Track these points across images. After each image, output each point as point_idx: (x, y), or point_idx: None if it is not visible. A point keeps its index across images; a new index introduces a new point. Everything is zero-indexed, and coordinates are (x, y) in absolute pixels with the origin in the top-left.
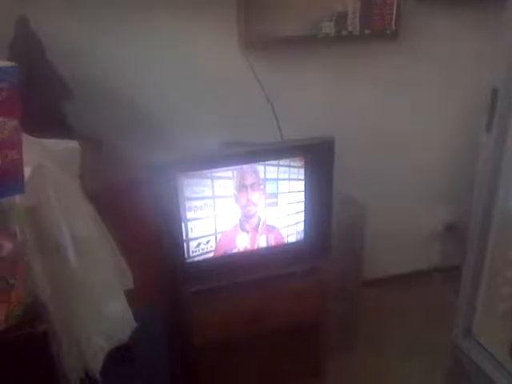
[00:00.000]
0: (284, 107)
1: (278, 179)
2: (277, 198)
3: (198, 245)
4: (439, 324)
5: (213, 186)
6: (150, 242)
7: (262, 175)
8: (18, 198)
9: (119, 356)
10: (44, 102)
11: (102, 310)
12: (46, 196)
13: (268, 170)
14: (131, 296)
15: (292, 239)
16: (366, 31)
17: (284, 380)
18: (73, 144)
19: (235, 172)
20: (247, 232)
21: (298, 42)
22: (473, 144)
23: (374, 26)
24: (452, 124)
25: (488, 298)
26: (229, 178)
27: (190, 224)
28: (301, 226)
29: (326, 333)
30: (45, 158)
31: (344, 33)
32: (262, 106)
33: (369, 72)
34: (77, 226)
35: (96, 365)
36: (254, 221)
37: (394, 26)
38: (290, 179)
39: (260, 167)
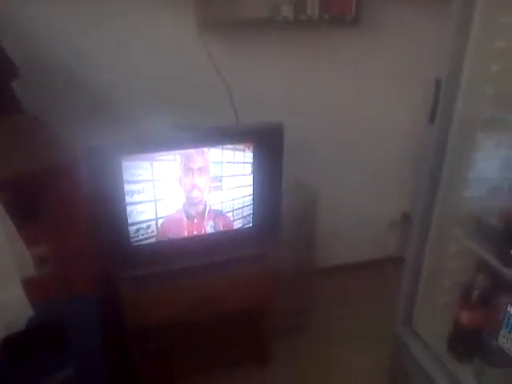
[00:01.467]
0: (241, 91)
1: (222, 162)
2: (221, 181)
3: (138, 230)
4: (388, 313)
5: (152, 169)
6: (86, 225)
7: (211, 158)
8: None
9: (49, 342)
10: None
11: None
12: None
13: (212, 153)
14: (61, 281)
15: (240, 224)
16: (325, 16)
17: (231, 366)
18: None
19: (179, 155)
20: (193, 218)
21: (256, 25)
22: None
23: (333, 11)
24: (410, 113)
25: (428, 291)
26: (170, 160)
27: (128, 208)
28: (249, 211)
29: (273, 319)
30: None
31: (303, 17)
32: (219, 89)
33: (327, 58)
34: None
35: None
36: (200, 207)
37: (353, 12)
38: (235, 162)
39: (206, 150)
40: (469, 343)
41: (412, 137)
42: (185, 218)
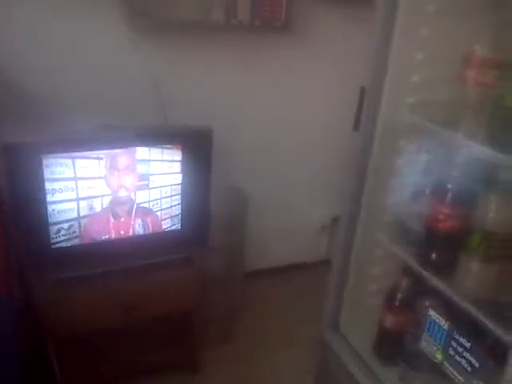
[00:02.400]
0: (171, 93)
1: (150, 160)
2: (148, 179)
3: (59, 230)
4: (319, 317)
5: (74, 167)
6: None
7: (138, 156)
8: None
9: None
10: None
11: None
12: None
13: (139, 151)
14: None
15: (168, 225)
16: (256, 22)
17: (159, 373)
18: None
19: (104, 154)
20: (120, 217)
21: (186, 27)
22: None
23: (264, 17)
24: (339, 119)
25: (354, 295)
26: (94, 159)
27: (49, 207)
28: (177, 211)
29: (202, 323)
30: None
31: (234, 22)
32: (149, 90)
33: (258, 63)
34: None
35: None
36: (127, 206)
37: (283, 19)
38: (163, 160)
39: (136, 149)
40: (393, 347)
41: (340, 142)
42: (111, 218)
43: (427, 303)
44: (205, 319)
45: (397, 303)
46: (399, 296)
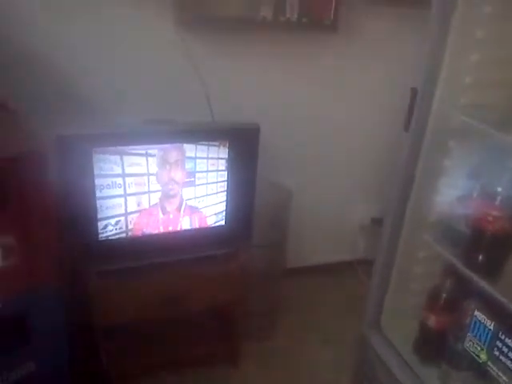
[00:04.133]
0: (218, 89)
1: (196, 157)
2: (195, 177)
3: (106, 226)
4: (357, 315)
5: (123, 163)
6: (53, 217)
7: (185, 152)
8: None
9: (11, 336)
10: None
11: None
12: None
13: (186, 148)
14: (25, 273)
15: (213, 220)
16: (304, 19)
17: (199, 365)
18: None
19: (155, 150)
20: (169, 213)
21: (234, 23)
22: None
23: (312, 14)
24: (381, 118)
25: (396, 294)
26: (143, 155)
27: (98, 202)
28: (222, 207)
29: (243, 318)
30: None
31: (282, 19)
32: (196, 87)
33: (305, 61)
34: None
35: None
36: (176, 201)
37: (332, 17)
38: (209, 158)
39: (184, 145)
40: (435, 346)
41: (384, 143)
42: (160, 214)
43: (472, 304)
44: (246, 314)
45: (440, 303)
46: (443, 296)
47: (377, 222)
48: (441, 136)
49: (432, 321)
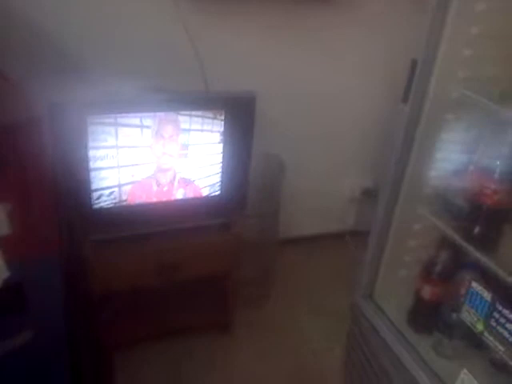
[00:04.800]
0: (212, 59)
1: (190, 130)
2: (188, 149)
3: (100, 196)
4: (349, 285)
5: (117, 134)
6: (49, 185)
7: (180, 126)
8: None
9: (7, 304)
10: None
11: None
12: None
13: (181, 120)
14: (20, 242)
15: (208, 192)
16: None
17: (191, 330)
18: None
19: (151, 119)
20: (162, 186)
21: None
22: (392, 113)
23: None
24: (375, 91)
25: (390, 265)
26: (138, 126)
27: (92, 173)
28: (216, 179)
29: (236, 286)
30: None
31: None
32: (190, 55)
33: (301, 33)
34: None
35: None
36: (170, 174)
37: None
38: (203, 130)
39: (179, 117)
40: (428, 316)
41: (377, 116)
42: (154, 186)
43: (468, 275)
44: (238, 283)
45: (435, 275)
46: (438, 268)
47: (367, 194)
48: (439, 108)
49: (426, 291)
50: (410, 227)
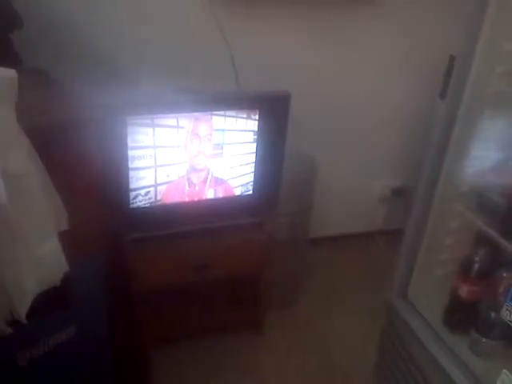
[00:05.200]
0: (245, 59)
1: (224, 130)
2: (222, 149)
3: (136, 196)
4: (379, 285)
5: (154, 135)
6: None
7: (214, 126)
8: None
9: (53, 301)
10: None
11: (32, 251)
12: None
13: (215, 120)
14: (71, 240)
15: (240, 191)
16: None
17: (224, 329)
18: (9, 73)
19: (185, 120)
20: (194, 186)
21: None
22: (426, 111)
23: None
24: (407, 90)
25: (425, 264)
26: (174, 127)
27: (130, 173)
28: (249, 178)
29: (268, 286)
30: None
31: None
32: (224, 56)
33: (333, 29)
34: (11, 161)
35: (23, 307)
36: (203, 174)
37: None
38: (237, 129)
39: (213, 117)
40: (465, 315)
41: (410, 115)
42: (187, 186)
43: (507, 273)
44: (269, 283)
45: (472, 273)
46: (475, 266)
47: (397, 193)
48: (477, 104)
49: (463, 290)
50: (446, 225)
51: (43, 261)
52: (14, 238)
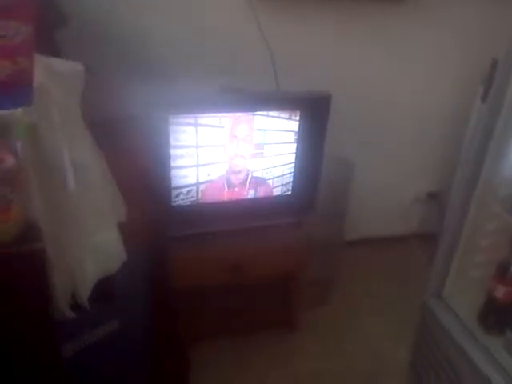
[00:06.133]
0: (284, 59)
1: (266, 130)
2: (263, 148)
3: (178, 195)
4: (412, 287)
5: (196, 135)
6: (138, 182)
7: (256, 125)
8: (20, 113)
9: (99, 293)
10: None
11: (95, 238)
12: (49, 116)
13: (257, 120)
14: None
15: (279, 192)
16: None
17: (258, 329)
18: (78, 66)
19: (225, 120)
20: (234, 186)
21: None
22: (463, 115)
23: None
24: (446, 93)
25: (461, 265)
26: (216, 126)
27: (172, 172)
28: (289, 179)
29: (303, 286)
30: (48, 77)
31: None
32: (263, 55)
33: (372, 32)
34: (77, 151)
35: (85, 292)
36: (241, 177)
37: None
38: (278, 130)
39: (254, 117)
40: (501, 316)
41: (443, 118)
42: (226, 187)
43: None
44: (304, 283)
45: (509, 274)
46: None
47: (432, 197)
48: None
49: (500, 291)
50: (483, 227)
51: (103, 248)
52: (78, 224)
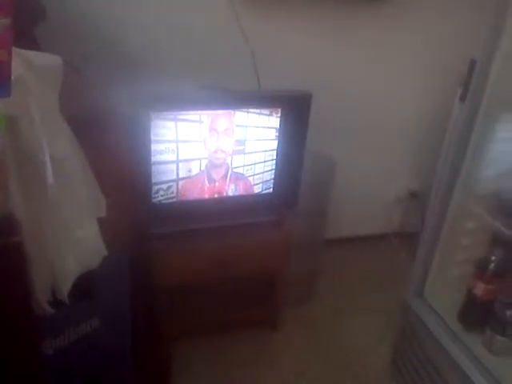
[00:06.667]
0: (265, 57)
1: (247, 126)
2: (244, 145)
3: (158, 191)
4: (393, 285)
5: (176, 130)
6: (118, 178)
7: (237, 121)
8: None
9: (79, 290)
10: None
11: (74, 233)
12: (27, 109)
13: (238, 116)
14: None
15: (260, 189)
16: None
17: (240, 327)
18: (56, 59)
19: (205, 116)
20: (214, 181)
21: None
22: (443, 115)
23: None
24: (426, 93)
25: (441, 264)
26: (196, 121)
27: (153, 167)
28: (270, 176)
29: (285, 284)
30: (26, 70)
31: None
32: (244, 53)
33: (353, 30)
34: (57, 145)
35: (65, 287)
36: (222, 170)
37: None
38: (259, 126)
39: (236, 113)
40: (480, 313)
41: (424, 117)
42: (206, 182)
43: None
44: (286, 281)
45: (488, 272)
46: (492, 265)
47: (413, 196)
48: (496, 107)
49: (479, 289)
50: (463, 226)
51: (83, 243)
52: (58, 218)
